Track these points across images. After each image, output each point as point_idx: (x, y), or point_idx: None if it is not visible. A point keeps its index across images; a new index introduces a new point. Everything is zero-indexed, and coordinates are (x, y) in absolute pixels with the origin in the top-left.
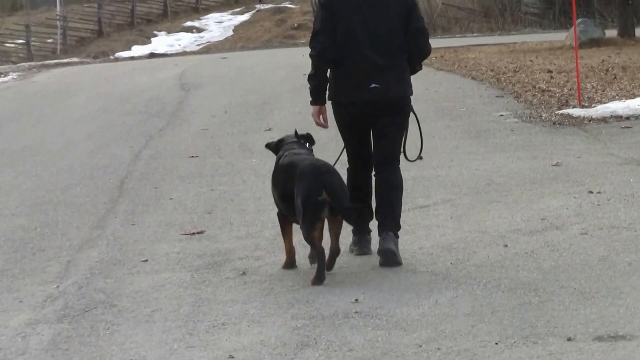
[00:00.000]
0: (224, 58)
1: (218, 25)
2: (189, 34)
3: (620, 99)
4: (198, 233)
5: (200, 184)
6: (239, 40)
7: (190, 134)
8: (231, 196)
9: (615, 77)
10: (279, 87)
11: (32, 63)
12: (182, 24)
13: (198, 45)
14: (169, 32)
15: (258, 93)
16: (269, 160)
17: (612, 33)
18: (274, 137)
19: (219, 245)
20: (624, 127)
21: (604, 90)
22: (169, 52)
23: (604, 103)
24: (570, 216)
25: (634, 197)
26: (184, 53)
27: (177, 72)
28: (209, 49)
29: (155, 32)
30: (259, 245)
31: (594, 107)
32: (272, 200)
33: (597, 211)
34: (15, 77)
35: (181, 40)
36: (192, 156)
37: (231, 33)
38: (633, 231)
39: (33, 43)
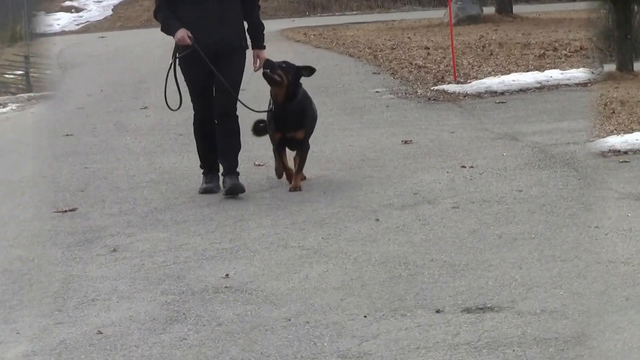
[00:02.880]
0: (102, 37)
1: (97, 4)
2: (68, 14)
3: (495, 75)
4: (70, 210)
5: (74, 162)
6: (118, 19)
7: (66, 112)
8: (105, 174)
9: (491, 54)
10: (156, 65)
11: (31, 94)
12: (60, 3)
13: (77, 25)
14: (47, 12)
15: (135, 72)
16: (144, 138)
17: (490, 10)
18: (150, 115)
19: (91, 222)
20: (498, 103)
21: (480, 67)
22: (48, 32)
23: (480, 79)
24: (442, 190)
25: (506, 170)
26: (62, 33)
27: (55, 52)
28: (88, 28)
29: (33, 12)
30: (131, 222)
31: (469, 82)
32: (146, 178)
33: (469, 185)
34: (14, 108)
35: (60, 20)
36: (67, 135)
37: (110, 12)
38: (504, 204)
39: (32, 74)
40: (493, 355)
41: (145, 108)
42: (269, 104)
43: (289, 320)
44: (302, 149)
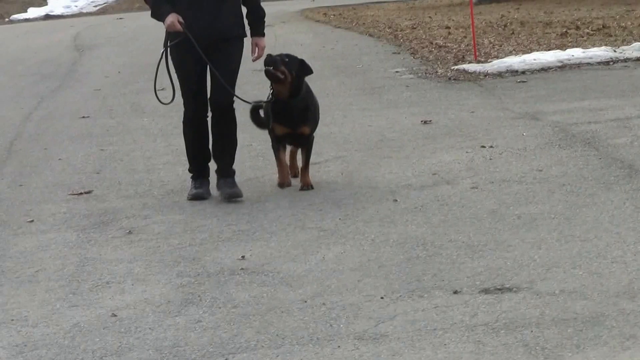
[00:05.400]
0: (120, 19)
1: None
2: None
3: (517, 54)
4: (86, 193)
5: (90, 144)
6: (136, 0)
7: (82, 94)
8: (121, 156)
9: (513, 33)
10: None
11: None
12: None
13: (95, 6)
14: None
15: (152, 53)
16: (160, 120)
17: None
18: (167, 96)
19: (107, 204)
20: (519, 82)
21: (501, 46)
22: (66, 14)
23: (501, 58)
24: (461, 170)
25: (526, 150)
26: (80, 14)
27: (72, 34)
28: (106, 10)
29: None
30: (146, 204)
31: (490, 62)
32: (162, 160)
33: (488, 165)
34: None
35: (78, 2)
36: (84, 117)
37: None
38: (524, 184)
39: None
40: (511, 336)
41: (162, 89)
42: (268, 96)
43: (305, 302)
44: (308, 143)
